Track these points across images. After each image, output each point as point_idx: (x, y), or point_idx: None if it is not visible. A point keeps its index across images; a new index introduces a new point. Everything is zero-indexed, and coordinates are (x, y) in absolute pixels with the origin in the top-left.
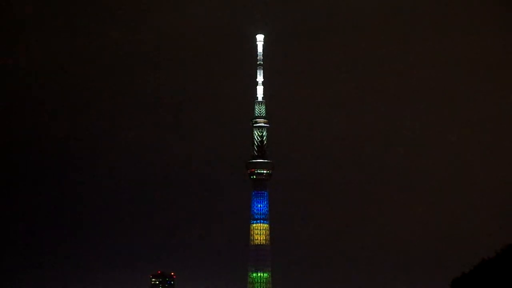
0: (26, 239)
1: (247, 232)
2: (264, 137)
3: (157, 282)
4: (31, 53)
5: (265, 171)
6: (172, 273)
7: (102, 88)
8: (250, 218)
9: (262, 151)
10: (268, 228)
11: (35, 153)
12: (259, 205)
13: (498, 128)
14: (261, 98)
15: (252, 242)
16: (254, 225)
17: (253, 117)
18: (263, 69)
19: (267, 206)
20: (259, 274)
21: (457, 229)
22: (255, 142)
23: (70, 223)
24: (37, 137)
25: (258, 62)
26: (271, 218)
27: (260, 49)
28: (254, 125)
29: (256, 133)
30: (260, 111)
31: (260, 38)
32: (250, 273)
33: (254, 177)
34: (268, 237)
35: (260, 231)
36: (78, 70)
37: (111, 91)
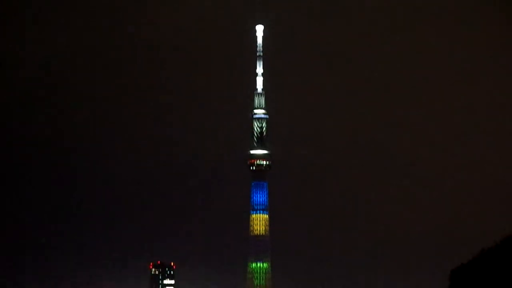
0: (26, 228)
1: (246, 223)
2: (264, 129)
3: (157, 272)
4: (31, 49)
5: (264, 162)
6: (172, 263)
7: (100, 75)
8: (249, 209)
9: (261, 142)
10: (267, 219)
11: (36, 144)
12: (258, 196)
13: (498, 121)
14: (261, 89)
15: (251, 233)
16: (254, 215)
17: (252, 108)
18: (262, 60)
19: (267, 197)
20: (258, 265)
21: (456, 220)
22: (255, 134)
23: (70, 212)
24: (36, 129)
25: (257, 53)
26: (270, 208)
27: (259, 40)
28: (254, 116)
29: (255, 124)
30: (259, 103)
31: (259, 29)
32: (250, 263)
33: (254, 168)
34: (267, 228)
35: (259, 222)
36: (74, 66)
37: (110, 78)
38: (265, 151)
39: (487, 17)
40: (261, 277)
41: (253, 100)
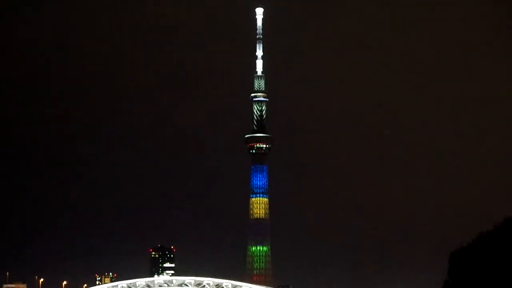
0: (29, 212)
1: (246, 206)
2: (264, 112)
3: (157, 256)
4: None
5: (264, 145)
6: (172, 247)
7: (100, 75)
8: (249, 192)
9: (261, 125)
10: (267, 202)
11: (41, 127)
12: (258, 179)
13: (498, 121)
14: (261, 72)
15: (251, 216)
16: (254, 199)
17: (252, 91)
18: (262, 43)
19: (267, 180)
20: (258, 248)
21: (456, 203)
22: (255, 117)
23: (71, 207)
24: (37, 129)
25: (257, 36)
26: (270, 192)
27: (259, 22)
28: (254, 99)
29: (255, 107)
30: (259, 86)
31: (259, 11)
32: (250, 247)
33: (254, 151)
34: (267, 211)
35: (259, 205)
36: (74, 66)
37: (110, 78)
38: (265, 134)
39: (487, 17)
40: (261, 260)
41: (253, 83)
